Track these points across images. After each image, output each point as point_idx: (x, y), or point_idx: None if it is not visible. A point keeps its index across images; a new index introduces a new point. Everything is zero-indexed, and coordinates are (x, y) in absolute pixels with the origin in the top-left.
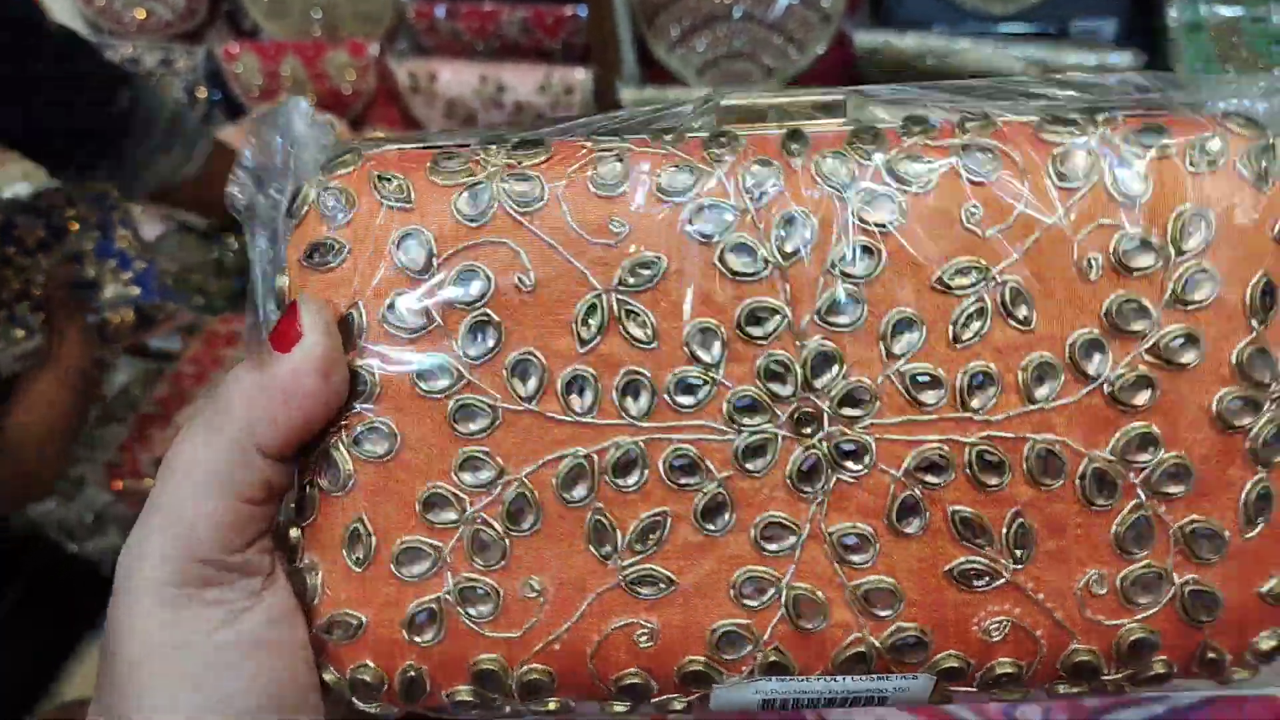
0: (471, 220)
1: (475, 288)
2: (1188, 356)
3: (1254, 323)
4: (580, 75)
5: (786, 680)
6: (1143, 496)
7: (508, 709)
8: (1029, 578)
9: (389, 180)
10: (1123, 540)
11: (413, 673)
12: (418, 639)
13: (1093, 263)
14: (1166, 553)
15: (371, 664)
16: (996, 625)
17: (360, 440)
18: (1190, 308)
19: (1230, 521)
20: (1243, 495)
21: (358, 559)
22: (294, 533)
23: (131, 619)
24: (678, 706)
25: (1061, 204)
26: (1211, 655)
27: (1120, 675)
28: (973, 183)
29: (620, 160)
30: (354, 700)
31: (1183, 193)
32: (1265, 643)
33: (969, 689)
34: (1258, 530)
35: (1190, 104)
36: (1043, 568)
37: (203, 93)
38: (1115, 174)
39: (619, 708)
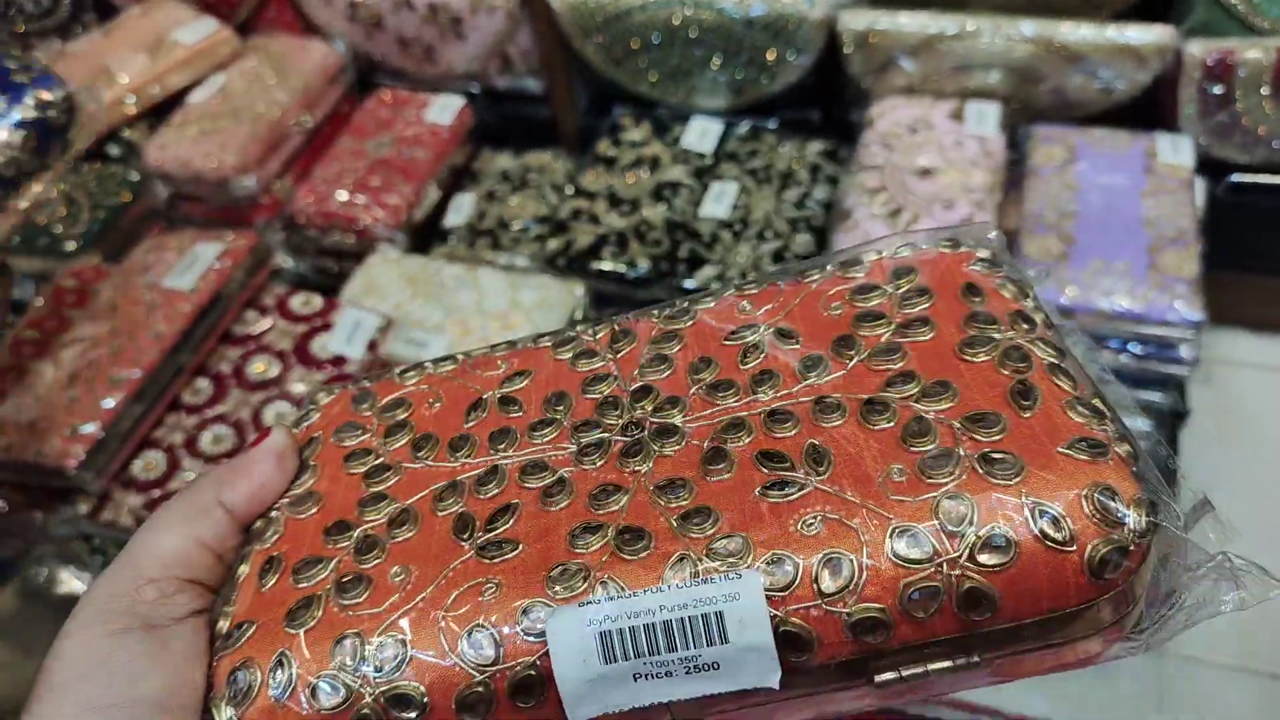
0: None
1: (400, 416)
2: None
3: None
4: None
5: (616, 599)
6: (916, 407)
7: (366, 694)
8: (832, 482)
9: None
10: (908, 436)
11: (282, 657)
12: (292, 626)
13: (834, 307)
14: (953, 438)
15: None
16: (811, 519)
17: (294, 504)
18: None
19: (1006, 410)
20: (1007, 390)
21: (266, 582)
22: (221, 623)
23: (70, 637)
24: (529, 672)
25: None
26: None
27: (961, 551)
28: (742, 293)
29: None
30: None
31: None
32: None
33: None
34: (1034, 410)
35: None
36: (843, 473)
37: None
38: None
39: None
